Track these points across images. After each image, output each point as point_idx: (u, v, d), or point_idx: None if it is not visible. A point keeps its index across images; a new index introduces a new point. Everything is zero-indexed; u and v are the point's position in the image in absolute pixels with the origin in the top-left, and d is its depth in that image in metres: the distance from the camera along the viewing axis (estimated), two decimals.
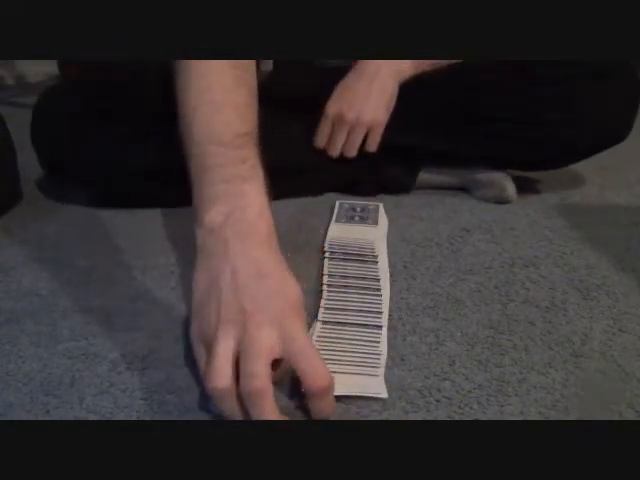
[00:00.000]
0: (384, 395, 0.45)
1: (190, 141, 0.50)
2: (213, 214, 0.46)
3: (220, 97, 0.51)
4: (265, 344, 0.40)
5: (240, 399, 0.40)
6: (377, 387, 0.46)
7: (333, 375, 0.41)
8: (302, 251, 0.68)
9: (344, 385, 0.45)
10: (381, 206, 0.74)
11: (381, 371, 0.47)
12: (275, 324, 0.41)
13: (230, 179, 0.47)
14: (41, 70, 2.06)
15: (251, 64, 0.55)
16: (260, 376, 0.39)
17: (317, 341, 0.50)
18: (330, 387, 0.40)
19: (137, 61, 0.71)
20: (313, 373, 0.40)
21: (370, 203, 0.78)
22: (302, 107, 0.83)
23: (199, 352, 0.44)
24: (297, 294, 0.44)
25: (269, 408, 0.39)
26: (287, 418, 0.41)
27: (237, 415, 0.40)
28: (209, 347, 0.42)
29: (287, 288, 0.44)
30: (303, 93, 0.83)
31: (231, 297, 0.42)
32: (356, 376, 0.46)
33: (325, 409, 0.41)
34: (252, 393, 0.39)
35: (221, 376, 0.39)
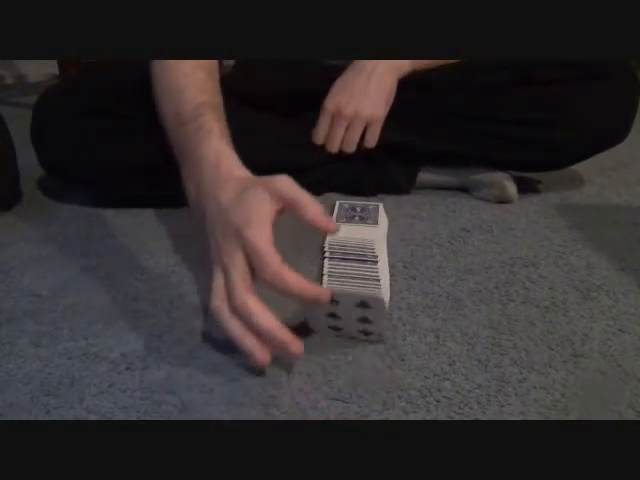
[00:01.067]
0: (380, 295, 0.49)
1: (167, 129, 0.60)
2: (191, 190, 0.54)
3: (183, 81, 0.60)
4: (237, 267, 0.46)
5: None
6: (375, 291, 0.49)
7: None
8: (302, 251, 0.68)
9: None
10: (381, 206, 0.74)
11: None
12: (239, 242, 0.46)
13: (192, 151, 0.54)
14: (41, 70, 2.06)
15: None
16: (239, 290, 0.45)
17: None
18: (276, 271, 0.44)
19: (136, 61, 0.71)
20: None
21: (370, 203, 0.78)
22: (300, 106, 0.83)
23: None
24: (247, 215, 0.46)
25: (257, 312, 0.45)
26: (277, 324, 0.45)
27: (235, 333, 0.45)
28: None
29: (240, 211, 0.47)
30: (301, 92, 0.83)
31: (214, 239, 0.49)
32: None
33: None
34: (237, 307, 0.45)
35: (216, 298, 0.47)
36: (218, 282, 0.47)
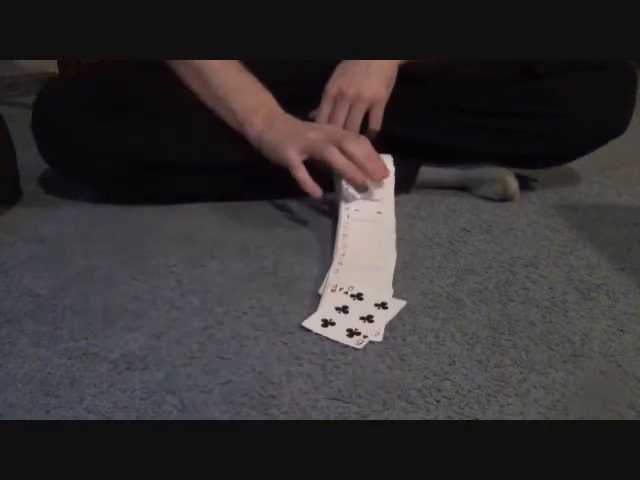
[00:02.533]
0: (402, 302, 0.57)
1: (210, 71, 0.76)
2: (258, 117, 0.74)
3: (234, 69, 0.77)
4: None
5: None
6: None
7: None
8: (303, 251, 0.68)
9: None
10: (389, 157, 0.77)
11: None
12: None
13: (257, 93, 0.76)
14: (41, 70, 2.06)
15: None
16: (339, 131, 0.76)
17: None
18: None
19: (136, 60, 0.71)
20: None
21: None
22: (301, 103, 0.83)
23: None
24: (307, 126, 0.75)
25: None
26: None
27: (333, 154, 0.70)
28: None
29: (300, 126, 0.75)
30: (301, 86, 0.83)
31: (298, 128, 0.75)
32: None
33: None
34: (340, 139, 0.72)
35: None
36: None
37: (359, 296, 0.57)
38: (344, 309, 0.55)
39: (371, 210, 0.72)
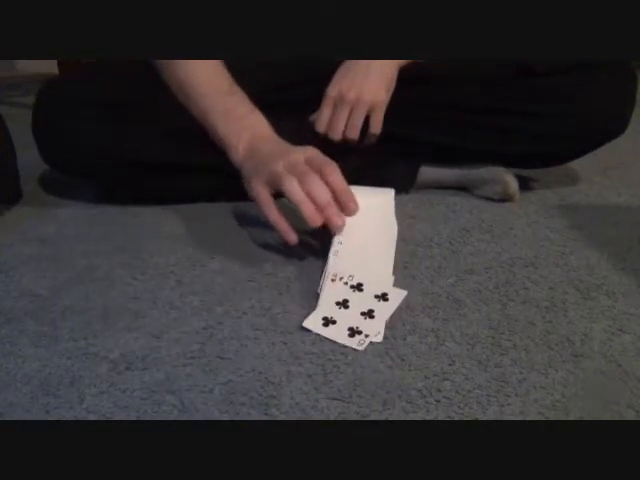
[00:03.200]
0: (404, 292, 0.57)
1: (196, 94, 0.72)
2: (241, 144, 0.69)
3: (207, 62, 0.73)
4: (301, 160, 0.64)
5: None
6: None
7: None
8: (303, 251, 0.68)
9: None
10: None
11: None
12: (302, 151, 0.65)
13: (243, 116, 0.70)
14: (41, 70, 2.06)
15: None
16: (303, 165, 0.64)
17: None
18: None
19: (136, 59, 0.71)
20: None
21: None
22: (300, 104, 0.83)
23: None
24: (294, 147, 0.66)
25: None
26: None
27: (295, 191, 0.61)
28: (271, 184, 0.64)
29: (288, 147, 0.67)
30: (300, 90, 0.83)
31: (269, 156, 0.65)
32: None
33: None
34: (303, 172, 0.62)
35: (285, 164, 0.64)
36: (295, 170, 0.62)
37: (359, 287, 0.57)
38: (344, 304, 0.55)
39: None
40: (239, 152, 0.68)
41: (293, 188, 0.61)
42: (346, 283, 0.58)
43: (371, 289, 0.57)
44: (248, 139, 0.68)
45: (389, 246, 0.65)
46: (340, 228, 0.61)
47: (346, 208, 0.62)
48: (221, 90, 0.71)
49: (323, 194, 0.61)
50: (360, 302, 0.56)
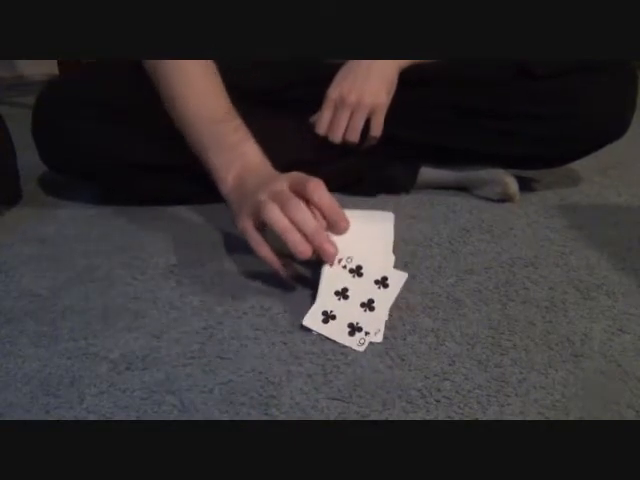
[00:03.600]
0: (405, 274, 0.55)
1: (189, 124, 0.67)
2: (230, 177, 0.63)
3: (203, 85, 0.68)
4: (285, 190, 0.57)
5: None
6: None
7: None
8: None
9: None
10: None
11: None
12: (286, 179, 0.58)
13: (233, 147, 0.64)
14: (41, 70, 2.06)
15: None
16: (286, 192, 0.56)
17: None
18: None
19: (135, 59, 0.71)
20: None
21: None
22: (300, 105, 0.83)
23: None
24: (278, 175, 0.61)
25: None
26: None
27: (283, 227, 0.54)
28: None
29: (273, 176, 0.61)
30: (299, 90, 0.83)
31: (254, 189, 0.59)
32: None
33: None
34: (291, 206, 0.55)
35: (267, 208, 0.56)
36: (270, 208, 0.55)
37: (358, 271, 0.56)
38: (343, 293, 0.55)
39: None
40: (227, 185, 0.63)
41: (275, 216, 0.54)
42: (345, 267, 0.56)
43: (371, 273, 0.55)
44: (237, 172, 0.63)
45: (387, 221, 0.62)
46: (332, 256, 0.55)
47: (336, 227, 0.56)
48: (212, 118, 0.65)
49: (309, 220, 0.54)
50: (360, 290, 0.55)
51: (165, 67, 0.69)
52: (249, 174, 0.62)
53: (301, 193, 0.56)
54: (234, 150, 0.64)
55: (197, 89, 0.67)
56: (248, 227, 0.58)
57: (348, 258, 0.56)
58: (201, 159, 0.66)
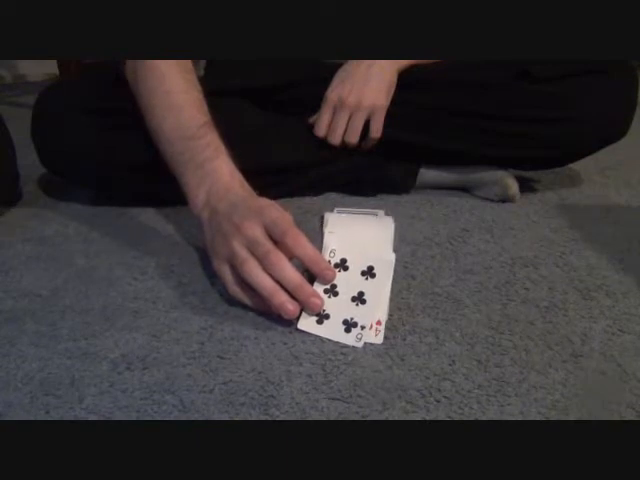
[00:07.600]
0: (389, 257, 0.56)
1: (164, 140, 0.65)
2: (200, 195, 0.61)
3: (181, 98, 0.65)
4: (261, 235, 0.54)
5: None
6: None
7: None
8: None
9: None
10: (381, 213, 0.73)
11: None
12: (260, 218, 0.54)
13: (202, 164, 0.62)
14: (41, 70, 2.06)
15: (192, 67, 0.69)
16: (262, 242, 0.53)
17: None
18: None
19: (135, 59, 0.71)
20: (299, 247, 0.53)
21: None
22: (300, 105, 0.83)
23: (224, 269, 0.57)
24: (263, 204, 0.56)
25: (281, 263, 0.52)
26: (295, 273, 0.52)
27: (266, 287, 0.52)
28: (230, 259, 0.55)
29: (256, 203, 0.57)
30: (300, 91, 0.83)
31: (225, 227, 0.56)
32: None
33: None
34: (271, 263, 0.52)
35: (241, 262, 0.54)
36: (240, 253, 0.53)
37: (343, 264, 0.56)
38: (332, 290, 0.55)
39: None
40: (198, 204, 0.61)
41: (259, 278, 0.52)
42: (329, 262, 0.56)
43: (356, 264, 0.55)
44: (205, 192, 0.60)
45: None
46: (319, 308, 0.52)
47: (323, 277, 0.54)
48: (184, 135, 0.63)
49: (292, 277, 0.52)
50: (348, 284, 0.55)
51: (144, 75, 0.68)
52: (218, 196, 0.59)
53: (279, 242, 0.53)
54: (203, 167, 0.61)
55: (173, 102, 0.65)
56: (225, 274, 0.56)
57: (331, 252, 0.57)
58: (175, 175, 0.64)
